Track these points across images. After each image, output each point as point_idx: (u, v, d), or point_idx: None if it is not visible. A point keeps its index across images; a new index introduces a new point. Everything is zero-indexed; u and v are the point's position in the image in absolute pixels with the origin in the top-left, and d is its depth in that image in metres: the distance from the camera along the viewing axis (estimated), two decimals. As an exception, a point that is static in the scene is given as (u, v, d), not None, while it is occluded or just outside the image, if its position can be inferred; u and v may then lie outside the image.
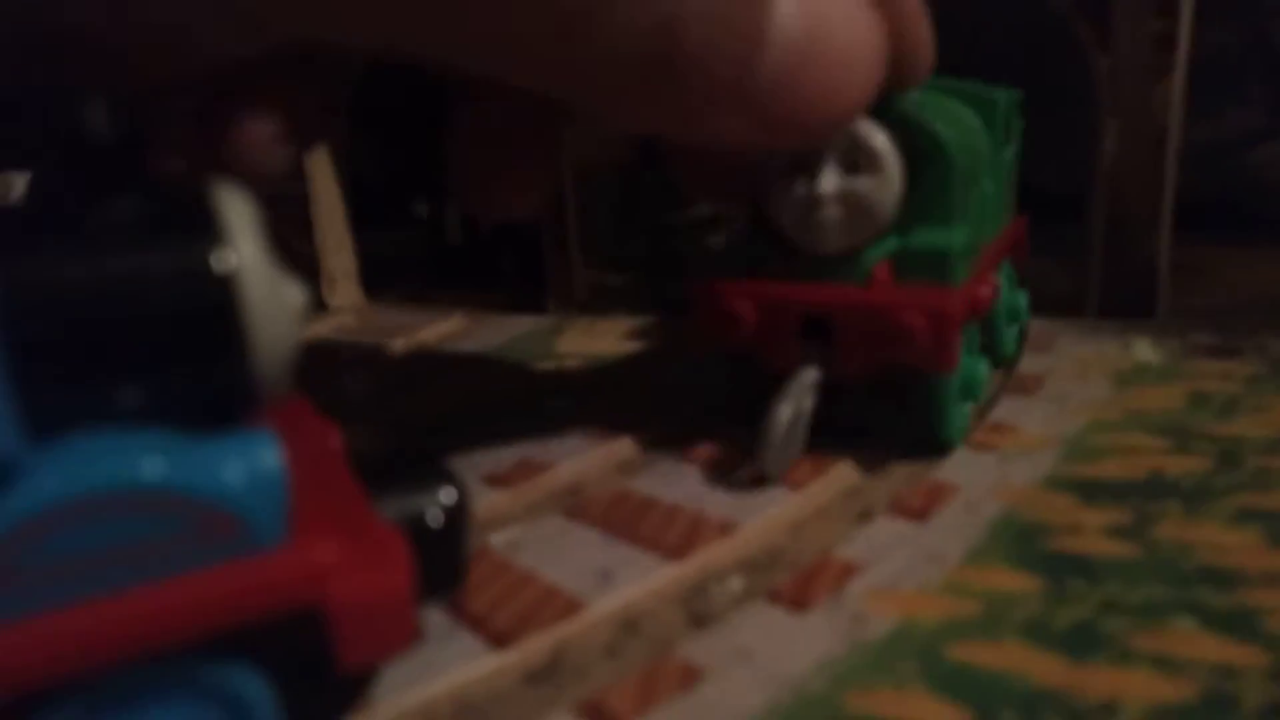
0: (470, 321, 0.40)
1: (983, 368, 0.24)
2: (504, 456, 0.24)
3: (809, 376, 0.23)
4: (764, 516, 0.20)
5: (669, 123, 0.19)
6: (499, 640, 0.16)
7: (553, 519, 0.21)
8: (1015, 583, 0.18)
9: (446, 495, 0.15)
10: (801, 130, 0.19)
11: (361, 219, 0.44)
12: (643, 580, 0.18)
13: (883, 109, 0.23)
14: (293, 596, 0.12)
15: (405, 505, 0.15)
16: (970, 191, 0.24)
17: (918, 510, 0.20)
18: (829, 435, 0.23)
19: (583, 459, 0.24)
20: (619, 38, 0.16)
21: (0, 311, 0.11)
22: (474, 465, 0.24)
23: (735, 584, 0.18)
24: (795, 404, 0.22)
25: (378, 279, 0.45)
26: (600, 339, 0.35)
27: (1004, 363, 0.28)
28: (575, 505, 0.22)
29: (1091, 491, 0.21)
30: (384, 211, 0.47)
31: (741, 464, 0.23)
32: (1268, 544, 0.18)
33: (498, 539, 0.21)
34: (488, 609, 0.17)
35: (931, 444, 0.23)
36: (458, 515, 0.15)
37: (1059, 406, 0.25)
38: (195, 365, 0.12)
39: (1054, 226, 0.31)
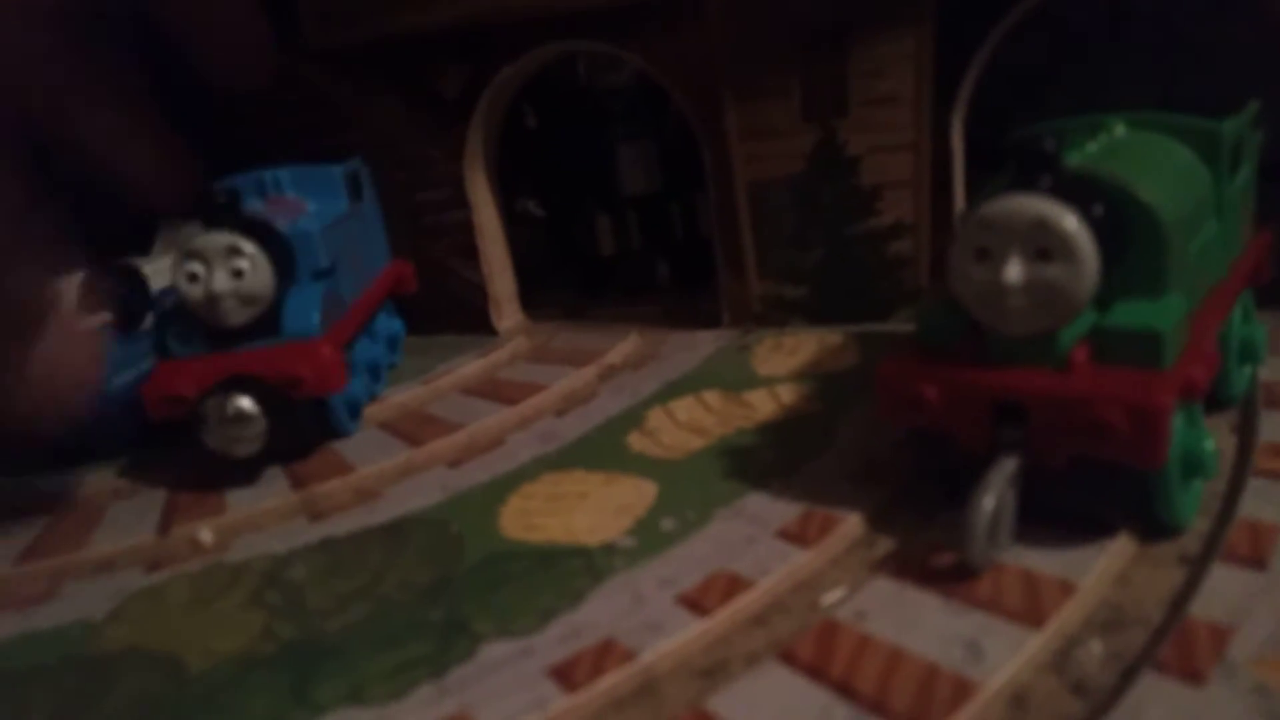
0: (647, 340, 0.40)
1: (1209, 441, 0.22)
2: (785, 509, 0.25)
3: (1010, 465, 0.21)
4: (1094, 571, 0.21)
5: None
6: (911, 726, 0.17)
7: (879, 582, 0.22)
8: (1391, 638, 0.18)
9: None
10: None
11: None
12: (1015, 652, 0.19)
13: (1077, 174, 0.21)
14: None
15: None
16: (1186, 252, 0.23)
17: (1250, 556, 0.20)
18: (1040, 520, 0.22)
19: (862, 511, 0.24)
20: None
21: None
22: (758, 519, 0.25)
23: (1096, 648, 0.19)
24: (997, 494, 0.21)
25: (531, 294, 0.46)
26: (794, 357, 0.36)
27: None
28: (896, 565, 0.22)
29: None
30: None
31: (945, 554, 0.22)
32: None
33: (830, 600, 0.21)
34: (877, 688, 0.18)
35: (1159, 527, 0.22)
36: None
37: (1324, 421, 0.26)
38: None
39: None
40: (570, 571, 0.24)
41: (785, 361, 0.35)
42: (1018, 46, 0.46)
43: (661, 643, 0.20)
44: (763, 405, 0.32)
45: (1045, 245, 0.21)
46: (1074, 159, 0.23)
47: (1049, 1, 0.35)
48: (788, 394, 0.32)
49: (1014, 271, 0.21)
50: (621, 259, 0.46)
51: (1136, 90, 0.45)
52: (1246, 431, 0.26)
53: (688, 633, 0.21)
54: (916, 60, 0.34)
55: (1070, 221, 0.21)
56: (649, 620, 0.21)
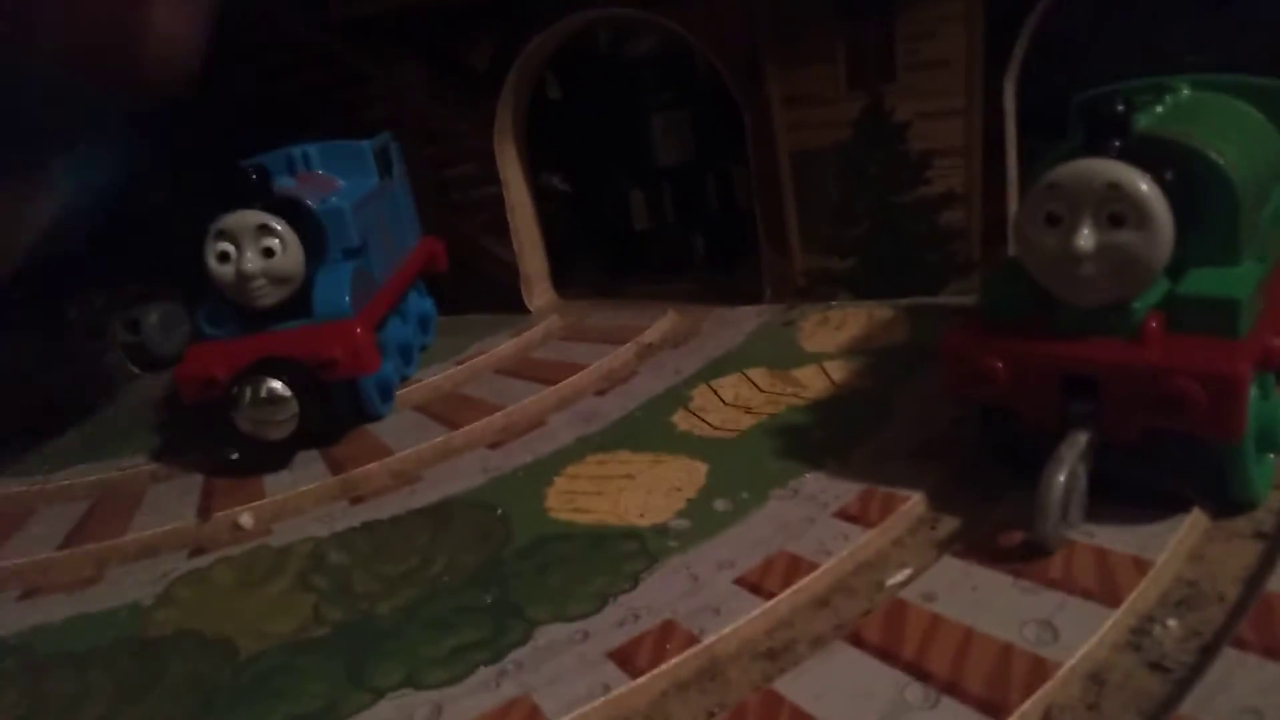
0: (686, 318, 0.40)
1: None
2: (843, 489, 0.24)
3: (1081, 440, 0.21)
4: (1167, 548, 0.20)
5: None
6: (988, 709, 0.17)
7: (947, 562, 0.21)
8: None
9: None
10: None
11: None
12: (1091, 630, 0.18)
13: (1148, 137, 0.20)
14: None
15: None
16: (1259, 216, 0.22)
17: (1332, 532, 0.20)
18: (1110, 496, 0.21)
19: (924, 489, 0.24)
20: None
21: None
22: (815, 499, 0.24)
23: (1174, 625, 0.18)
24: (1069, 470, 0.20)
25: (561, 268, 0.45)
26: (841, 332, 0.35)
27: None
28: (963, 545, 0.21)
29: None
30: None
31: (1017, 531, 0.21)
32: None
33: (896, 581, 0.21)
34: (951, 669, 0.18)
35: (1231, 503, 0.21)
36: None
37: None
38: None
39: None
40: (623, 554, 0.23)
41: (833, 337, 0.34)
42: (1067, 6, 0.44)
43: (724, 625, 0.20)
44: (813, 382, 0.31)
45: (1118, 210, 0.20)
46: (1143, 121, 0.22)
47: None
48: (838, 370, 0.32)
49: (1086, 237, 0.20)
50: (655, 234, 0.45)
51: (1193, 51, 0.44)
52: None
53: (750, 615, 0.20)
54: (967, 21, 0.33)
55: (1144, 185, 0.20)
56: (709, 602, 0.21)
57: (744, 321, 0.37)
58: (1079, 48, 0.45)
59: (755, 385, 0.32)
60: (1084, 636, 0.18)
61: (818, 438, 0.27)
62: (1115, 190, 0.20)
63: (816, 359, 0.33)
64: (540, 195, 0.45)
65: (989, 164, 0.34)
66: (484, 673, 0.20)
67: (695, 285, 0.43)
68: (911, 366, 0.31)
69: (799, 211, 0.37)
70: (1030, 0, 0.32)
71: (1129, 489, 0.22)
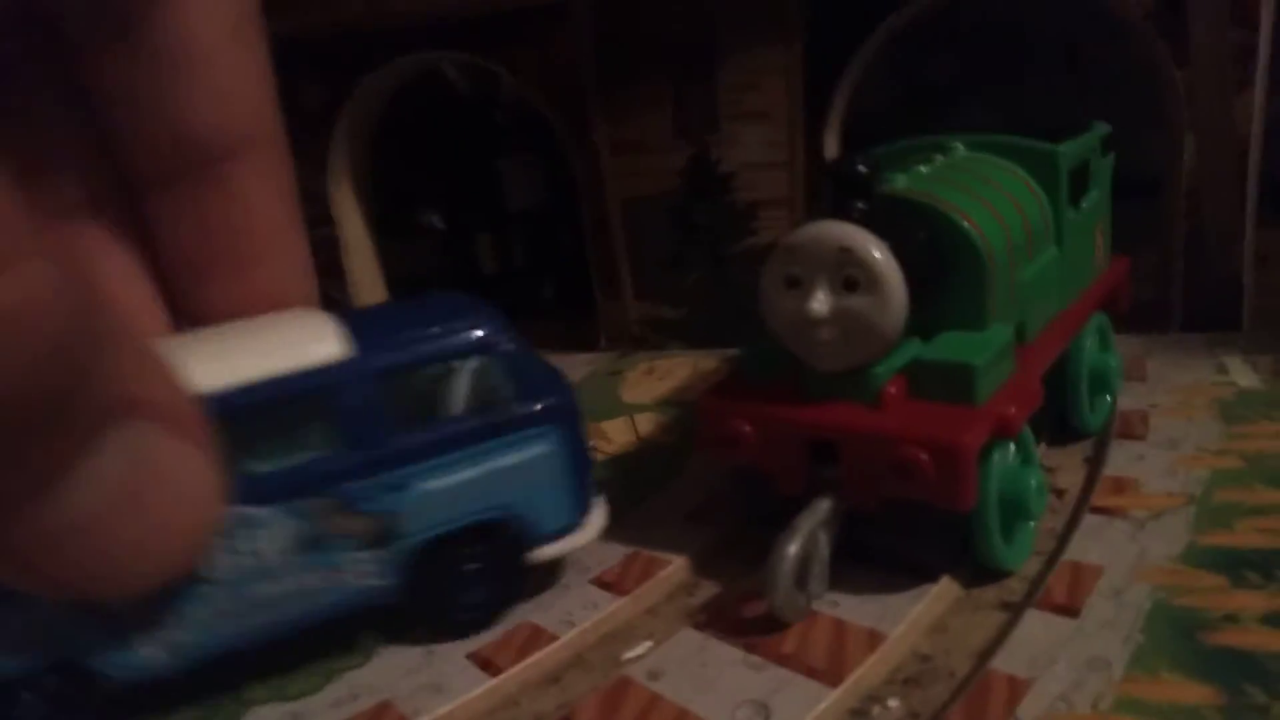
0: (522, 363, 0.39)
1: (1035, 479, 0.21)
2: (609, 553, 0.24)
3: (821, 509, 0.20)
4: (906, 621, 0.20)
5: None
6: (676, 804, 0.16)
7: (687, 634, 0.20)
8: (1190, 694, 0.17)
9: None
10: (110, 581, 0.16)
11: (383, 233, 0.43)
12: (805, 713, 0.18)
13: (895, 200, 0.21)
14: None
15: None
16: (1014, 281, 0.22)
17: (1065, 603, 0.19)
18: (866, 565, 0.21)
19: (690, 554, 0.23)
20: None
21: None
22: (579, 563, 0.23)
23: (894, 705, 0.18)
24: (805, 541, 0.20)
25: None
26: (663, 383, 0.34)
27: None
28: (708, 615, 0.21)
29: (1235, 567, 0.20)
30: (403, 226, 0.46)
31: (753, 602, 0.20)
32: None
33: (632, 656, 0.20)
34: (651, 760, 0.17)
35: (986, 571, 0.20)
36: None
37: (1173, 453, 0.24)
38: None
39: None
40: (364, 626, 0.22)
41: (654, 388, 0.34)
42: (932, 64, 0.45)
43: (442, 705, 0.19)
44: (619, 436, 0.30)
45: (852, 275, 0.20)
46: (900, 183, 0.22)
47: (953, 21, 0.34)
48: (646, 423, 0.31)
49: (820, 301, 0.20)
50: (503, 278, 0.44)
51: (1044, 109, 0.45)
52: (1095, 464, 0.25)
53: (472, 694, 0.19)
54: (786, 75, 0.33)
55: (876, 251, 0.20)
56: (433, 680, 0.20)
57: (575, 369, 0.37)
58: (947, 95, 0.46)
59: (562, 439, 0.31)
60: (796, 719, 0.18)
61: (604, 497, 0.26)
62: (848, 254, 0.20)
63: (631, 410, 0.32)
64: (418, 232, 0.44)
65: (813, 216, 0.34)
66: (176, 762, 0.18)
67: (540, 331, 0.42)
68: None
69: (631, 259, 0.37)
70: (847, 57, 0.33)
71: (886, 557, 0.21)
